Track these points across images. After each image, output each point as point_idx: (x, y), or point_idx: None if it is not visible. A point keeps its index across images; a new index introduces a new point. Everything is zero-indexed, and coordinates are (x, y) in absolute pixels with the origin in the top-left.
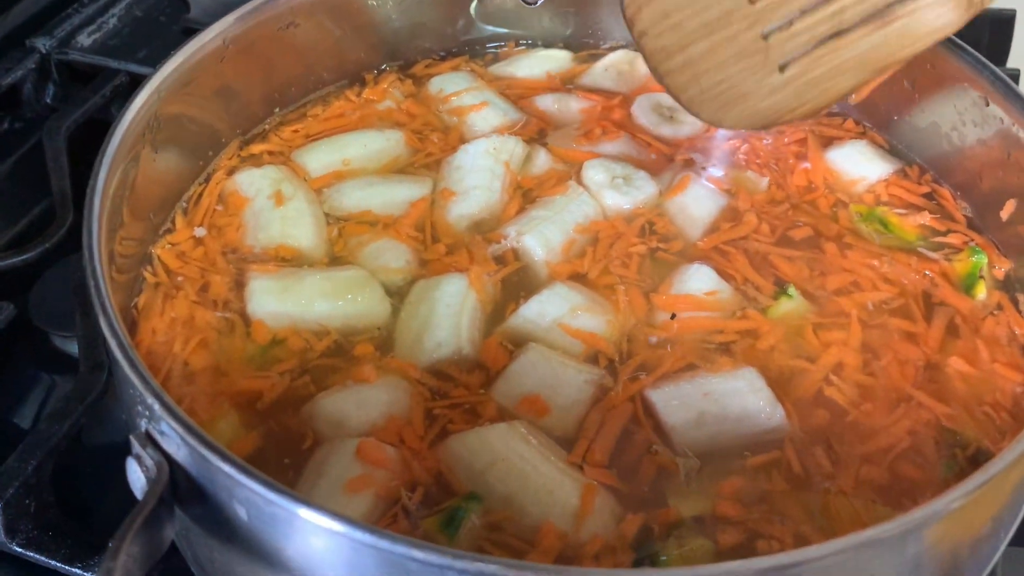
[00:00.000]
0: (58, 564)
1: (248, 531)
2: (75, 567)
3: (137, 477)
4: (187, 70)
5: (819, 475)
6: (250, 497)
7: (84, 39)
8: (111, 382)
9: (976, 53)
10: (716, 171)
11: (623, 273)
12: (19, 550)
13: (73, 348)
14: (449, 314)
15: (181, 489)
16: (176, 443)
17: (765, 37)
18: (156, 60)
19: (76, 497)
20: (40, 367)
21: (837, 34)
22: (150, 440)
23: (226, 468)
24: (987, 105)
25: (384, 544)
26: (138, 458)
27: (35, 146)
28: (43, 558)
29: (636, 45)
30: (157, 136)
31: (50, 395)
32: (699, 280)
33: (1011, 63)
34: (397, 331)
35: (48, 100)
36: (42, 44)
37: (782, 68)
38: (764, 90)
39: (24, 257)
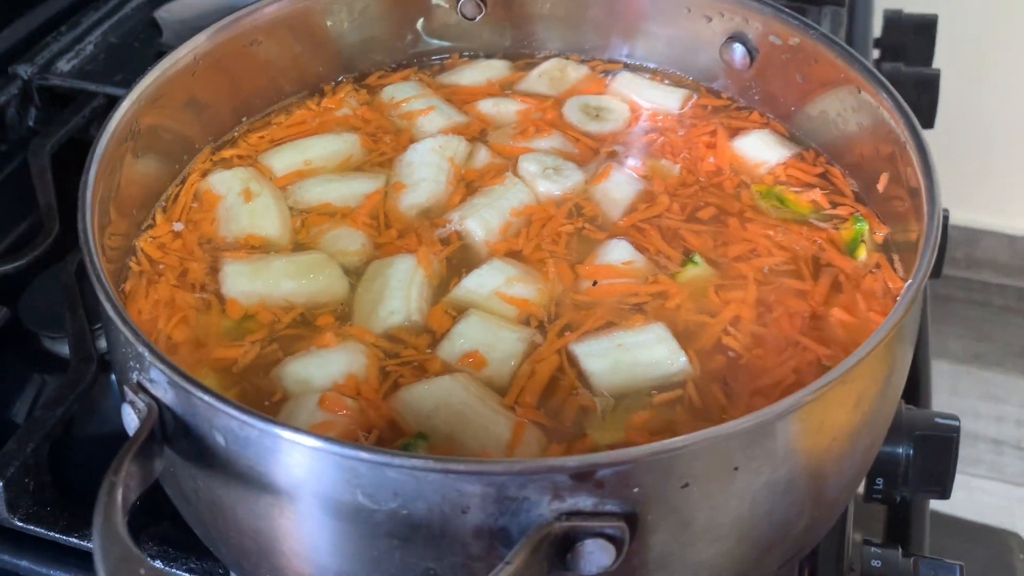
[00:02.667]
0: (57, 535)
1: (226, 455)
2: (72, 537)
3: (131, 419)
4: (162, 84)
5: (716, 408)
6: (227, 423)
7: (63, 65)
8: (99, 376)
9: (846, 46)
10: (635, 161)
11: (553, 249)
12: (21, 525)
13: (61, 349)
14: (400, 287)
15: (168, 428)
16: (163, 387)
17: None
18: (132, 82)
19: (68, 481)
20: (31, 367)
21: None
22: (141, 388)
23: (206, 398)
24: (859, 92)
25: (335, 448)
26: (131, 403)
27: (19, 167)
28: (42, 530)
29: None
30: (137, 144)
31: (41, 392)
32: (618, 252)
33: (936, 64)
34: (355, 304)
35: (31, 123)
36: (23, 71)
37: None
38: None
39: (16, 264)
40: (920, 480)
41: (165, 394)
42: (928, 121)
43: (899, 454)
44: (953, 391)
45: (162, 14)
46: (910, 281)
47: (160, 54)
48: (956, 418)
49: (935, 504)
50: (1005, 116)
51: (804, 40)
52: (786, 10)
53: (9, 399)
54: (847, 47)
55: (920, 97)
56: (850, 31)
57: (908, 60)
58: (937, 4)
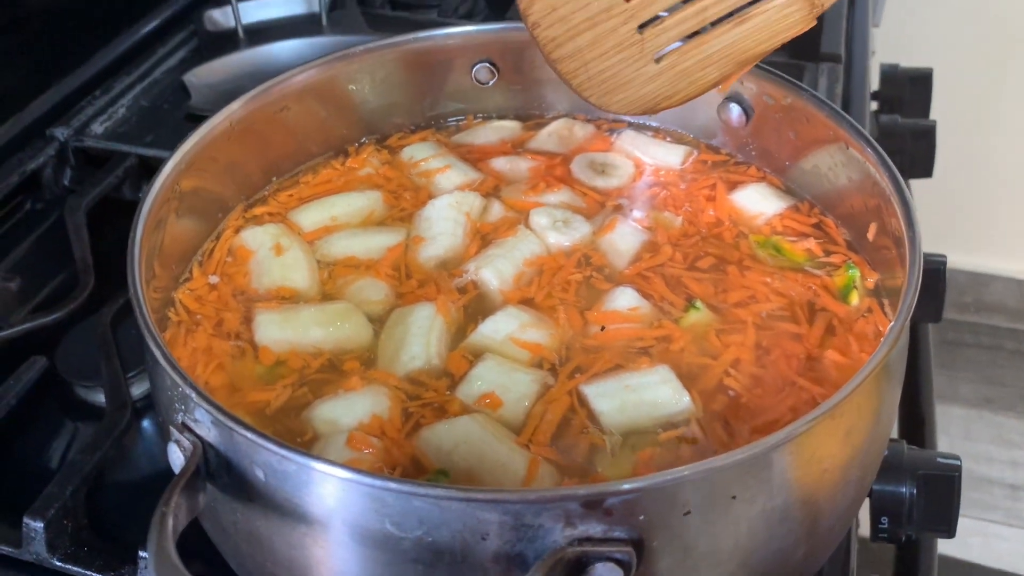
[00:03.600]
0: (93, 574)
1: (265, 489)
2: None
3: (177, 456)
4: (201, 148)
5: (718, 444)
6: (267, 458)
7: (97, 127)
8: (133, 423)
9: (834, 106)
10: (639, 213)
11: (563, 296)
12: (59, 564)
13: (94, 397)
14: (420, 334)
15: (211, 464)
16: (207, 426)
17: (640, 31)
18: (162, 143)
19: (101, 524)
20: (65, 415)
21: (703, 31)
22: (186, 428)
23: (248, 435)
24: (847, 148)
25: (365, 479)
26: (177, 442)
27: (54, 224)
28: (80, 569)
29: (530, 35)
30: (180, 204)
31: (74, 439)
32: (624, 299)
33: (935, 114)
34: (379, 349)
35: (66, 183)
36: (60, 133)
37: (657, 60)
38: (642, 79)
39: (54, 317)
40: (925, 519)
41: (208, 432)
42: (927, 170)
43: (903, 493)
44: (966, 436)
45: (190, 78)
46: (893, 323)
47: (189, 116)
48: (957, 458)
49: (952, 550)
50: (1011, 161)
51: (796, 100)
52: (778, 72)
53: (44, 445)
54: (835, 107)
55: (917, 147)
56: (847, 86)
57: (905, 112)
58: (933, 58)
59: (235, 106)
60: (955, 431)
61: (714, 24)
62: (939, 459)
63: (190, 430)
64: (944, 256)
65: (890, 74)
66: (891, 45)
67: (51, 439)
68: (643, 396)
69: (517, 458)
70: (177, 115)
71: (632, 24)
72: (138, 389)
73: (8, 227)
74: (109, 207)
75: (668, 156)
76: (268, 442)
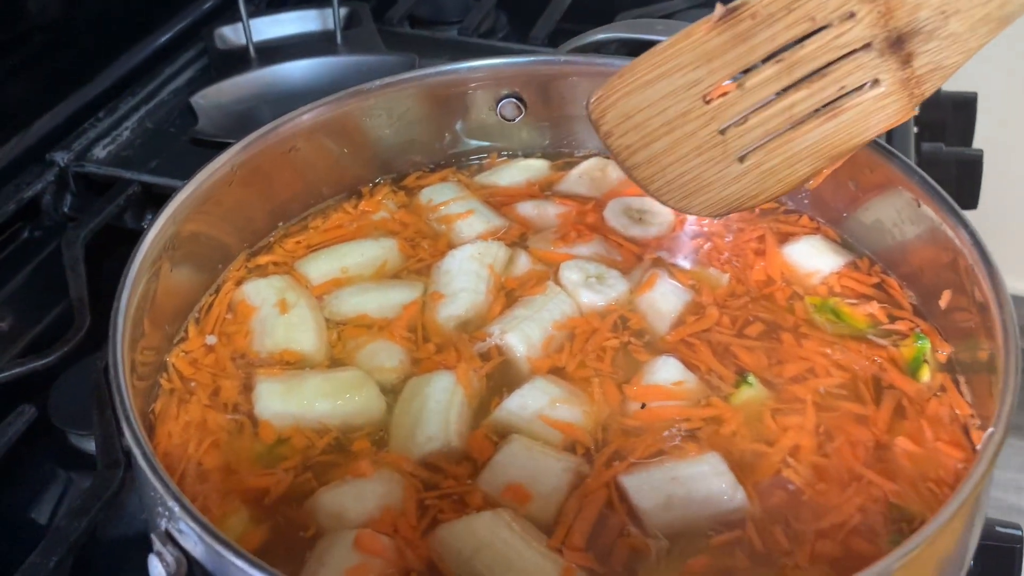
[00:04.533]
0: None
1: None
2: None
3: (159, 572)
4: (201, 193)
5: (778, 551)
6: None
7: (99, 151)
8: (126, 478)
9: (907, 159)
10: (681, 268)
11: (598, 366)
12: None
13: (89, 445)
14: (439, 409)
15: None
16: (193, 540)
17: (722, 132)
18: (167, 170)
19: None
20: (57, 464)
21: (790, 127)
22: (170, 538)
23: (239, 563)
24: (919, 206)
25: None
26: (159, 555)
27: (53, 252)
28: None
29: (603, 144)
30: (175, 253)
31: (67, 491)
32: (667, 371)
33: (976, 143)
34: (392, 426)
35: (66, 209)
36: (60, 158)
37: (741, 159)
38: (725, 180)
39: (45, 361)
40: None
41: (195, 547)
42: (971, 202)
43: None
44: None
45: (198, 100)
46: (992, 429)
47: (195, 141)
48: (1018, 527)
49: None
50: None
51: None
52: None
53: (34, 498)
54: (906, 160)
55: (962, 177)
56: None
57: (948, 138)
58: (975, 81)
59: (237, 148)
60: None
61: (803, 120)
62: (999, 528)
63: (174, 542)
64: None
65: (932, 98)
66: None
67: (43, 490)
68: (691, 490)
69: (548, 566)
70: (183, 139)
71: (713, 127)
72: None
73: (5, 255)
74: (110, 236)
75: None
76: (262, 573)
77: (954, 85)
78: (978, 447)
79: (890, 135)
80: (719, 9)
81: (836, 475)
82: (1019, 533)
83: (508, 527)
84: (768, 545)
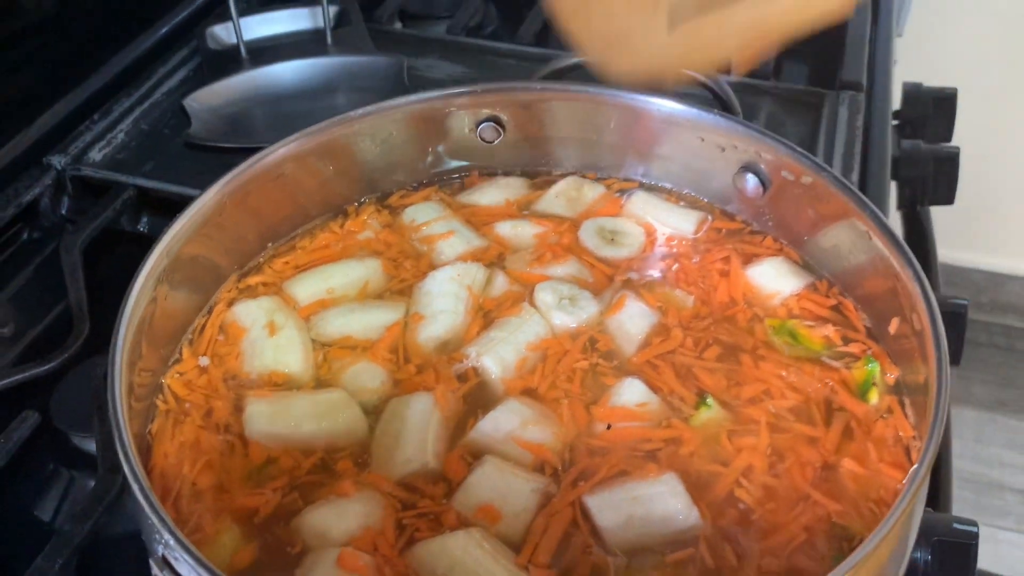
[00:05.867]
0: None
1: None
2: None
3: None
4: (198, 219)
5: (727, 569)
6: None
7: (95, 154)
8: (126, 482)
9: (860, 194)
10: (649, 290)
11: (568, 387)
12: None
13: (90, 446)
14: (416, 431)
15: None
16: (188, 568)
17: None
18: (161, 173)
19: None
20: (60, 464)
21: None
22: (167, 564)
23: None
24: (870, 239)
25: None
26: None
27: (52, 253)
28: None
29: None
30: (175, 276)
31: (69, 490)
32: (632, 393)
33: (955, 140)
34: (373, 447)
35: (63, 212)
36: (57, 161)
37: (670, 27)
38: (650, 45)
39: (46, 368)
40: None
41: (190, 574)
42: (948, 197)
43: (917, 559)
44: (977, 439)
45: (191, 103)
46: (916, 466)
47: (189, 145)
48: (975, 523)
49: None
50: None
51: (816, 180)
52: (798, 149)
53: (37, 497)
54: (860, 195)
55: (939, 174)
56: (868, 114)
57: (928, 134)
58: (956, 76)
59: (227, 178)
60: (967, 434)
61: None
62: (956, 525)
63: (171, 568)
64: (966, 300)
65: (913, 94)
66: (912, 61)
67: (45, 489)
68: (650, 510)
69: None
70: (177, 141)
71: None
72: None
73: (5, 257)
74: (107, 238)
75: (681, 222)
76: None
77: (935, 80)
78: (903, 482)
79: (868, 130)
80: None
81: (785, 495)
82: (975, 530)
83: (479, 546)
84: (718, 562)
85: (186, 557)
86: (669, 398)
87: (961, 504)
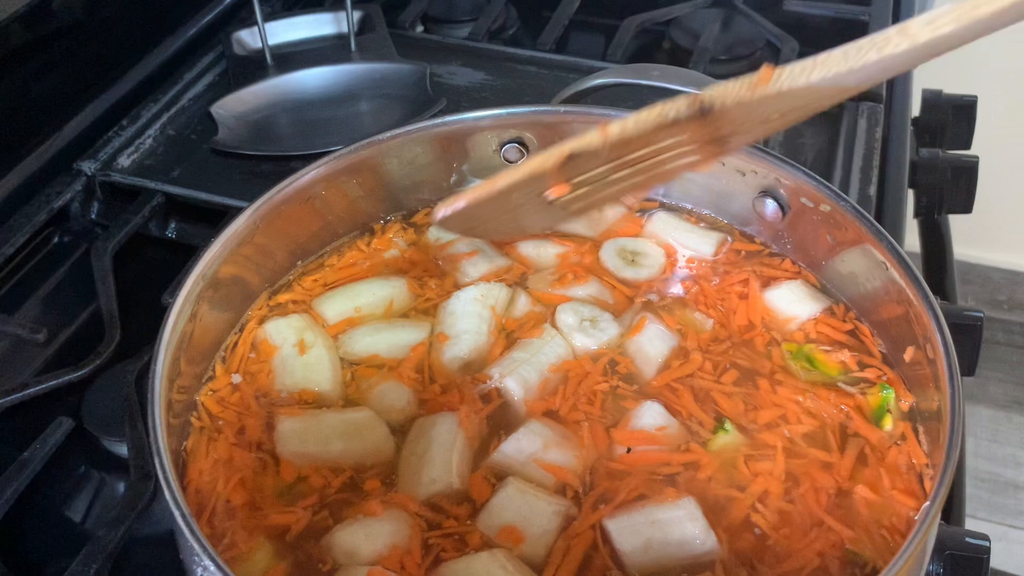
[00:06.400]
0: None
1: None
2: None
3: None
4: (236, 238)
5: None
6: None
7: (124, 160)
8: (158, 488)
9: (878, 225)
10: (669, 312)
11: (588, 410)
12: None
13: (121, 450)
14: (442, 451)
15: None
16: None
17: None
18: (189, 179)
19: None
20: (91, 466)
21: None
22: None
23: None
24: (887, 269)
25: None
26: None
27: (83, 256)
28: None
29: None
30: (212, 295)
31: (99, 492)
32: (651, 416)
33: (975, 142)
34: (399, 466)
35: (93, 216)
36: (87, 167)
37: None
38: (528, 216)
39: (79, 374)
40: None
41: None
42: (966, 207)
43: (929, 572)
44: (993, 438)
45: (217, 110)
46: (927, 503)
47: (215, 151)
48: (987, 538)
49: None
50: None
51: (835, 208)
52: (817, 177)
53: (69, 498)
54: (878, 225)
55: (957, 183)
56: (887, 126)
57: (947, 141)
58: (976, 84)
59: (260, 202)
60: (982, 433)
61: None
62: (968, 538)
63: None
64: (981, 313)
65: (932, 101)
66: (932, 67)
67: (77, 491)
68: (668, 534)
69: None
70: (204, 147)
71: (541, 201)
72: None
73: (38, 259)
74: (136, 243)
75: (701, 244)
76: None
77: (955, 88)
78: (916, 516)
79: (887, 142)
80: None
81: (799, 520)
82: (987, 544)
83: (502, 567)
84: None
85: None
86: (688, 422)
87: (975, 503)
